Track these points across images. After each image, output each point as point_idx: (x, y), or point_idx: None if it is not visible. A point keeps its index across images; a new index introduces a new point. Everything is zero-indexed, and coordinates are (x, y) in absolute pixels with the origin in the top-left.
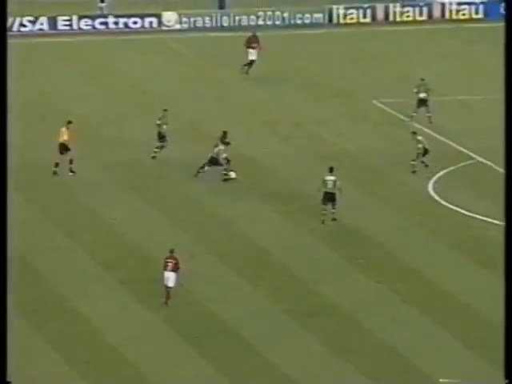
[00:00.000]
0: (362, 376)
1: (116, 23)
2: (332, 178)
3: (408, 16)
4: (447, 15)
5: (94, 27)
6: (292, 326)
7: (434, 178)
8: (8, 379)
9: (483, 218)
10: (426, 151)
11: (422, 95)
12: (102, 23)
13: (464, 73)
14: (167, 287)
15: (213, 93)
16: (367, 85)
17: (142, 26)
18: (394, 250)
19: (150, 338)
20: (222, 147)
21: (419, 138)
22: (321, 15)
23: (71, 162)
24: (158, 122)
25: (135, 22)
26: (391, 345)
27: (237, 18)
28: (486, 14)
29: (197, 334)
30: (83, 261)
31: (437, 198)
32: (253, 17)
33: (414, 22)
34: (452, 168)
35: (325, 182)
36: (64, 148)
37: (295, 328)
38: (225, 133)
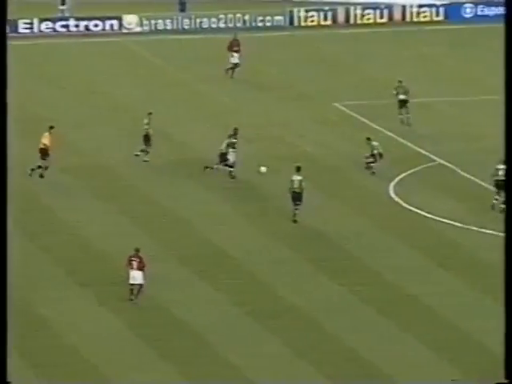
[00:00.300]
0: (322, 377)
1: (77, 26)
2: (299, 177)
3: (369, 19)
4: (408, 17)
5: (54, 30)
6: (254, 328)
7: (395, 180)
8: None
9: (444, 220)
10: (380, 156)
11: (402, 96)
12: (63, 26)
13: (425, 75)
14: (133, 285)
15: (174, 95)
16: (328, 87)
17: (103, 29)
18: (356, 252)
19: (112, 340)
20: (228, 141)
21: (374, 143)
22: (282, 18)
23: (46, 167)
24: (146, 127)
25: (96, 25)
26: (352, 347)
27: (198, 20)
28: (446, 16)
29: (159, 337)
30: (45, 264)
31: (398, 199)
32: (214, 19)
33: (375, 24)
34: (413, 170)
35: (292, 182)
36: (44, 153)
37: (257, 330)
38: (236, 129)
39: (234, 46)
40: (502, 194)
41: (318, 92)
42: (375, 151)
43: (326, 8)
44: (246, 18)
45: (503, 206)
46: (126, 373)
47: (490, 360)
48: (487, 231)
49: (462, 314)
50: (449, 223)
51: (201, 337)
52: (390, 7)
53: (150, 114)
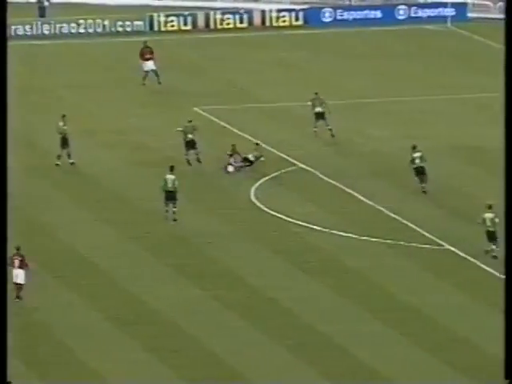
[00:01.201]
0: (184, 382)
1: None
2: (172, 176)
3: (228, 23)
4: (268, 22)
5: None
6: (115, 333)
7: (256, 185)
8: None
9: (304, 224)
10: (257, 159)
11: (318, 109)
12: None
13: (283, 80)
14: (16, 284)
15: (34, 101)
16: (189, 92)
17: None
18: (219, 256)
19: None
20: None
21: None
22: (141, 23)
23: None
24: (63, 128)
25: None
26: (214, 351)
27: (58, 25)
28: (306, 21)
29: (24, 343)
30: None
31: (259, 204)
32: (73, 24)
33: (235, 29)
34: (274, 174)
35: (165, 181)
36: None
37: (118, 336)
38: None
39: (145, 54)
40: (422, 178)
41: (179, 97)
42: (250, 156)
43: (186, 13)
44: (106, 23)
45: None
46: None
47: (351, 363)
48: (347, 235)
49: (323, 318)
50: (309, 227)
51: (61, 342)
52: (249, 12)
53: (64, 116)
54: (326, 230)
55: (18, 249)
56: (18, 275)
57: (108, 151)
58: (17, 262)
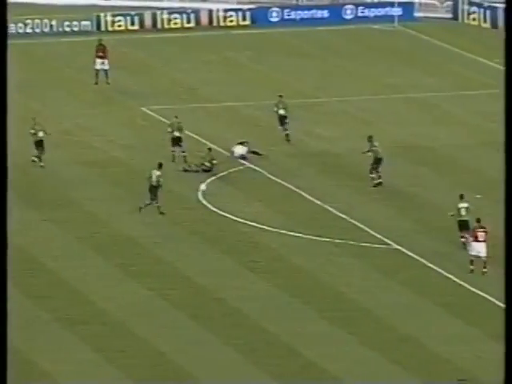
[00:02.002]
0: (132, 381)
1: None
2: (158, 172)
3: (176, 23)
4: (215, 22)
5: None
6: (63, 334)
7: (204, 185)
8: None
9: (252, 224)
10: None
11: (282, 111)
12: None
13: (231, 80)
14: None
15: None
16: (136, 92)
17: None
18: (167, 256)
19: None
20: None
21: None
22: (89, 23)
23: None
24: (32, 131)
25: None
26: (162, 351)
27: None
28: (253, 20)
29: None
30: None
31: (206, 203)
32: (20, 24)
33: (182, 29)
34: (222, 174)
35: (150, 175)
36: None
37: (67, 336)
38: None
39: (98, 52)
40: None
41: (126, 96)
42: (207, 163)
43: (133, 13)
44: (54, 23)
45: None
46: None
47: (300, 362)
48: (296, 234)
49: (271, 318)
50: (257, 226)
51: (9, 342)
52: (196, 12)
53: (34, 118)
54: (275, 229)
55: None
56: None
57: (55, 151)
58: None
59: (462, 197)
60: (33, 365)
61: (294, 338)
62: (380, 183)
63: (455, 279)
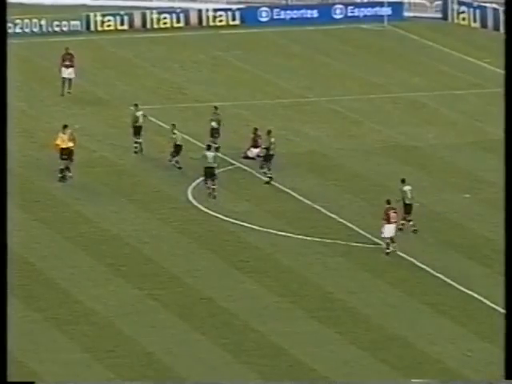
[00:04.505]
0: (121, 381)
1: None
2: (212, 153)
3: (165, 23)
4: (204, 22)
5: None
6: (53, 334)
7: (193, 184)
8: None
9: (242, 223)
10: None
11: (214, 124)
12: None
13: (220, 79)
14: None
15: None
16: (124, 92)
17: None
18: (154, 256)
19: None
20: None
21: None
22: (78, 22)
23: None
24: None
25: None
26: (150, 351)
27: None
28: (242, 20)
29: None
30: None
31: (196, 203)
32: (10, 24)
33: (172, 28)
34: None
35: (205, 157)
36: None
37: (56, 336)
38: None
39: (65, 60)
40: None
41: (115, 96)
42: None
43: (123, 12)
44: (43, 22)
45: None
46: None
47: (288, 362)
48: (284, 234)
49: (259, 317)
50: (246, 226)
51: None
52: (186, 11)
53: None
54: (263, 229)
55: None
56: None
57: (42, 151)
58: None
59: (403, 181)
60: (21, 365)
61: (282, 337)
62: (271, 178)
63: (444, 278)
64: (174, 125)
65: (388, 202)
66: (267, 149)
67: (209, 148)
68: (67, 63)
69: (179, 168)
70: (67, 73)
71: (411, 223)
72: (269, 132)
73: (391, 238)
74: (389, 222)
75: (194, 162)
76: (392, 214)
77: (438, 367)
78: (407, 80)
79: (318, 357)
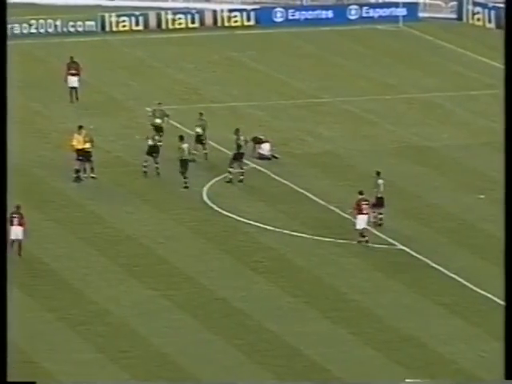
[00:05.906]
0: (136, 382)
1: None
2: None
3: (180, 23)
4: (219, 22)
5: None
6: (68, 334)
7: (208, 185)
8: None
9: (256, 224)
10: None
11: (158, 121)
12: None
13: (235, 80)
14: (16, 240)
15: None
16: (141, 92)
17: None
18: (169, 256)
19: None
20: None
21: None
22: (93, 23)
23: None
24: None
25: None
26: (164, 352)
27: (9, 26)
28: (257, 20)
29: None
30: None
31: (211, 204)
32: (25, 25)
33: (187, 29)
34: (226, 174)
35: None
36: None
37: (70, 336)
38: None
39: (70, 69)
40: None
41: (131, 97)
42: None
43: (137, 13)
44: (58, 23)
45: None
46: None
47: (302, 362)
48: (298, 234)
49: (274, 318)
50: (260, 227)
51: (12, 342)
52: (201, 12)
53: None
54: (278, 229)
55: (18, 207)
56: (18, 232)
57: (57, 151)
58: (16, 220)
59: (378, 173)
60: (36, 365)
61: (296, 338)
62: (242, 174)
63: (458, 279)
64: (181, 136)
65: (360, 193)
66: (238, 147)
67: (181, 139)
68: (73, 72)
69: (186, 187)
70: (73, 81)
71: (380, 216)
72: (237, 131)
73: (364, 229)
74: (361, 212)
75: (208, 162)
76: (364, 206)
77: (451, 368)
78: (421, 80)
79: (331, 357)
